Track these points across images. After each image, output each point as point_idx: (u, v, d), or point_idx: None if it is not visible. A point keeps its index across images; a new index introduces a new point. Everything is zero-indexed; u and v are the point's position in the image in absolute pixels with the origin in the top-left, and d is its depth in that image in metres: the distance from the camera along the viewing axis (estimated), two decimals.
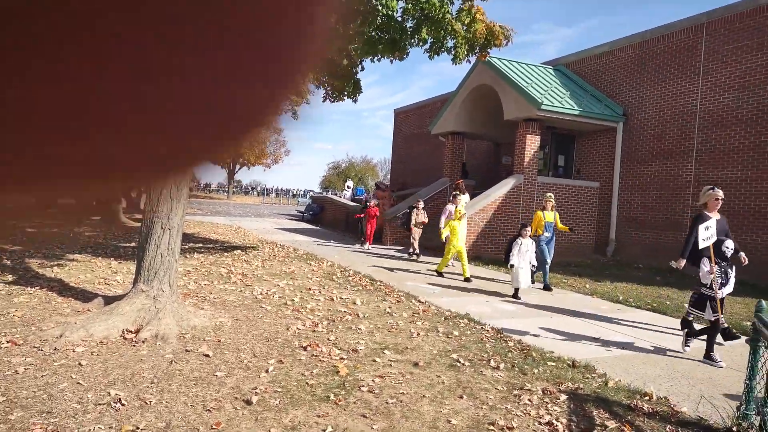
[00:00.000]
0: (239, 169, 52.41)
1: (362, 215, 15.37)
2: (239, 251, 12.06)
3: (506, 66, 15.91)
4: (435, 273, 10.79)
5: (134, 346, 4.94)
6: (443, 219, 11.43)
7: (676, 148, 13.89)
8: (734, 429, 3.60)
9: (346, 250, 14.19)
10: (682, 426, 3.92)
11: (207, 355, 4.80)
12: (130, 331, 5.22)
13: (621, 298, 9.37)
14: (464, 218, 10.79)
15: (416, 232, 13.39)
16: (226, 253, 11.52)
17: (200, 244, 12.80)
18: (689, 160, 13.54)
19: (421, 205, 13.65)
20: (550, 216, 10.08)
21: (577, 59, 17.32)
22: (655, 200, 14.34)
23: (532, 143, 14.70)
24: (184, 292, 7.21)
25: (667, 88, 14.23)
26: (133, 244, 11.98)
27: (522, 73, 15.92)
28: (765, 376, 3.64)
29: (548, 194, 10.35)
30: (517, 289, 8.87)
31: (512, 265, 8.75)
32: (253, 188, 78.18)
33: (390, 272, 10.70)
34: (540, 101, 14.00)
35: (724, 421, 3.83)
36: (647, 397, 4.44)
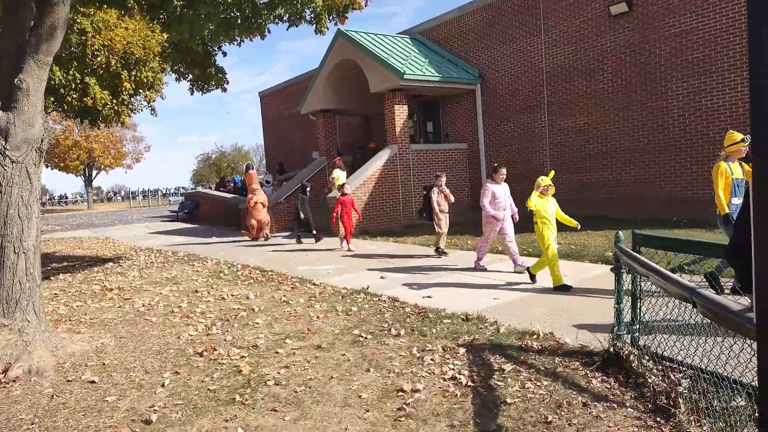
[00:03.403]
0: (96, 174, 48.21)
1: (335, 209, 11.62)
2: (111, 263, 11.16)
3: (365, 38, 16.01)
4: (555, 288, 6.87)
5: (5, 388, 4.40)
6: (486, 201, 8.25)
7: (530, 102, 14.94)
8: (611, 350, 4.02)
9: (237, 246, 13.70)
10: (568, 356, 4.31)
11: (93, 382, 4.41)
12: None
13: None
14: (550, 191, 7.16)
15: (444, 222, 9.79)
16: (96, 268, 10.61)
17: (65, 263, 11.65)
18: (542, 112, 14.64)
19: (443, 180, 9.89)
20: (739, 171, 6.08)
21: (430, 27, 17.86)
22: (517, 153, 15.39)
23: (400, 113, 15.04)
24: (55, 318, 6.54)
25: (515, 47, 15.18)
26: None
27: (381, 44, 16.12)
28: (630, 298, 4.09)
29: (733, 134, 6.11)
30: None
31: None
32: (116, 193, 72.57)
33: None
34: (402, 71, 14.30)
35: (602, 344, 4.26)
36: (535, 336, 4.81)
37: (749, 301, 2.34)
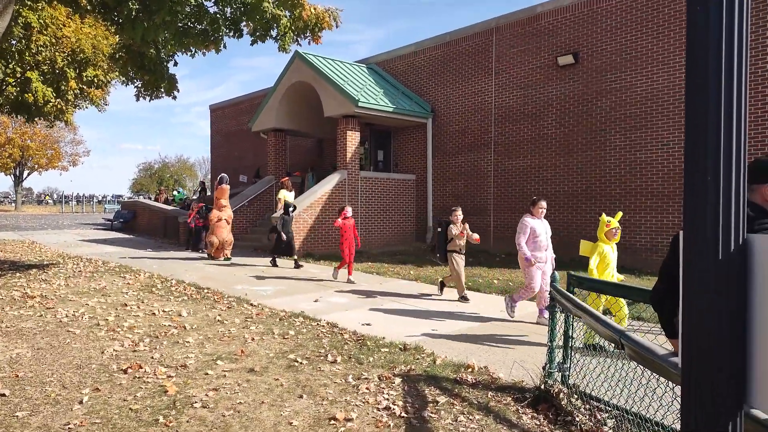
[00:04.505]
0: (28, 174, 45.77)
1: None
2: (35, 270, 10.52)
3: (322, 63, 16.13)
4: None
5: None
6: (523, 240, 6.86)
7: (478, 141, 15.39)
8: (542, 387, 4.11)
9: (174, 260, 13.21)
10: (501, 391, 4.37)
11: (3, 395, 4.10)
12: None
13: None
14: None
15: (460, 264, 8.41)
16: (18, 274, 9.97)
17: None
18: (488, 151, 15.10)
19: (460, 214, 8.58)
20: None
21: (387, 58, 18.21)
22: (463, 189, 15.75)
23: (352, 139, 15.15)
24: None
25: (467, 87, 15.68)
26: None
27: (338, 70, 16.27)
28: (562, 337, 4.22)
29: None
30: None
31: None
32: (47, 196, 69.08)
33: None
34: (357, 98, 14.46)
35: (533, 381, 4.35)
36: (470, 369, 4.86)
37: (672, 347, 2.47)
